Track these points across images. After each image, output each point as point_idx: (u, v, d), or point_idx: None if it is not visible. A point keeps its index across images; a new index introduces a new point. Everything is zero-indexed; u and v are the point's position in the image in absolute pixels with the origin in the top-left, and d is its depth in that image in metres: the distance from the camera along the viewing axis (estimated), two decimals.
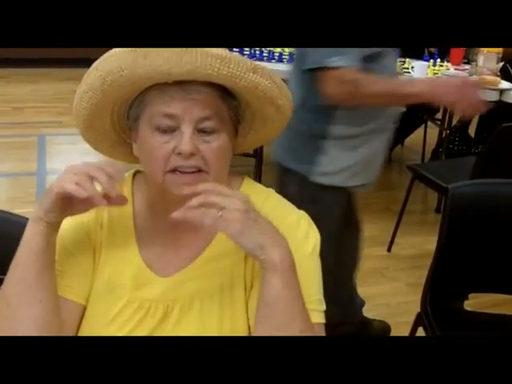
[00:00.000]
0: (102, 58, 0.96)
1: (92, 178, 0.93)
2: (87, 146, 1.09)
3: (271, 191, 1.12)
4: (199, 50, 0.91)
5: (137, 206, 1.10)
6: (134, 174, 1.14)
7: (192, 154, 0.96)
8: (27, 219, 0.98)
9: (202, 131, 0.98)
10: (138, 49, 0.92)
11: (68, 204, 0.96)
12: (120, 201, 0.99)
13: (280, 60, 3.38)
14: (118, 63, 0.93)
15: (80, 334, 1.05)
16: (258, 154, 3.55)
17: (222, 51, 0.93)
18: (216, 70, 0.93)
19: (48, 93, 5.39)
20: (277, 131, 1.12)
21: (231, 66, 0.94)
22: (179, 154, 0.96)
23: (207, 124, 0.98)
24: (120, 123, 1.06)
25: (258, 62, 0.99)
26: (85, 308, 1.05)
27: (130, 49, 0.92)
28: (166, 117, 0.97)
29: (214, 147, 0.99)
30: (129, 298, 1.03)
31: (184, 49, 0.91)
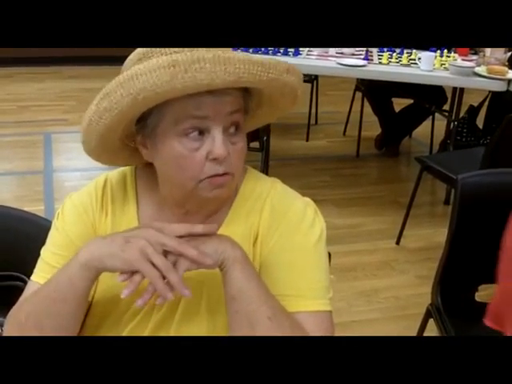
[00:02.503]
0: (125, 76, 0.89)
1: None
2: None
3: (275, 180, 1.12)
4: (239, 57, 0.89)
5: (141, 199, 1.09)
6: (135, 168, 1.12)
7: (225, 158, 0.95)
8: (33, 215, 0.97)
9: (229, 131, 0.96)
10: (173, 65, 0.86)
11: None
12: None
13: (296, 54, 3.37)
14: (153, 80, 0.87)
15: (84, 331, 1.05)
16: (264, 148, 3.53)
17: (258, 56, 0.92)
18: (258, 77, 0.92)
19: (53, 91, 5.39)
20: (278, 115, 1.11)
21: (270, 70, 0.93)
22: (214, 159, 0.94)
23: (233, 121, 0.96)
24: (126, 130, 1.01)
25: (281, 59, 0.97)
26: (89, 303, 1.05)
27: (163, 65, 0.86)
28: (195, 118, 0.94)
29: (239, 149, 0.98)
30: None
31: (222, 57, 0.87)
